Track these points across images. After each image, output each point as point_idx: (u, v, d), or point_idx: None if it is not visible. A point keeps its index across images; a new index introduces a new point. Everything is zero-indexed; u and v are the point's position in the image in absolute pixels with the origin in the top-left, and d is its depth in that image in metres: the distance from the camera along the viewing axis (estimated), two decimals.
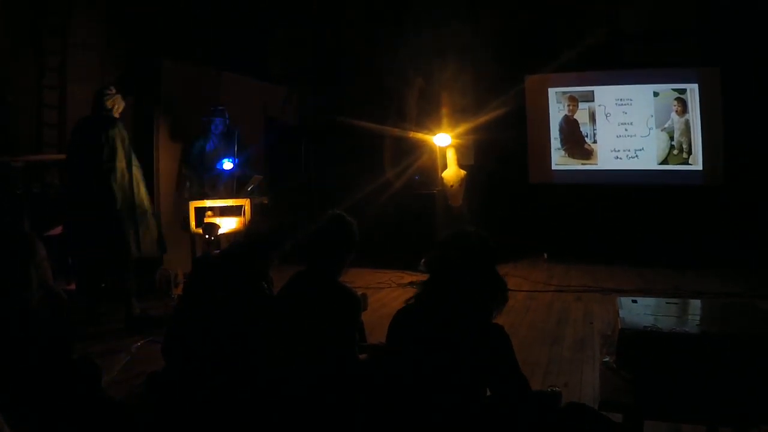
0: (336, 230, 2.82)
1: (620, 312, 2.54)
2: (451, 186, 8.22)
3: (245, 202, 6.20)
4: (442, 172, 8.35)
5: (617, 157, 8.46)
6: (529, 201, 8.82)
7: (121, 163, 4.95)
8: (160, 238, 5.28)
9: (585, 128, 8.62)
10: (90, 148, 4.92)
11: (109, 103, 5.01)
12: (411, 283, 6.92)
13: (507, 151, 8.79)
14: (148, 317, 5.14)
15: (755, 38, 7.77)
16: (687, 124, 8.07)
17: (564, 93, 8.70)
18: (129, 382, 3.70)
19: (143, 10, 8.73)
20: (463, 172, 8.27)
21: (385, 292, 6.62)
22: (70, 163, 5.15)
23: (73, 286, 6.10)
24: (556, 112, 8.76)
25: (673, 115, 8.14)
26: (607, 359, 2.45)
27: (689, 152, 8.09)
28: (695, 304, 3.11)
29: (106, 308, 5.31)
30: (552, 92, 8.76)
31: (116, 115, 5.08)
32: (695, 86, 8.00)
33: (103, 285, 6.15)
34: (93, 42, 8.34)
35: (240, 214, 6.19)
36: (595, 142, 8.57)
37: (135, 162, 5.12)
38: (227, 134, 6.68)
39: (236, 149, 6.64)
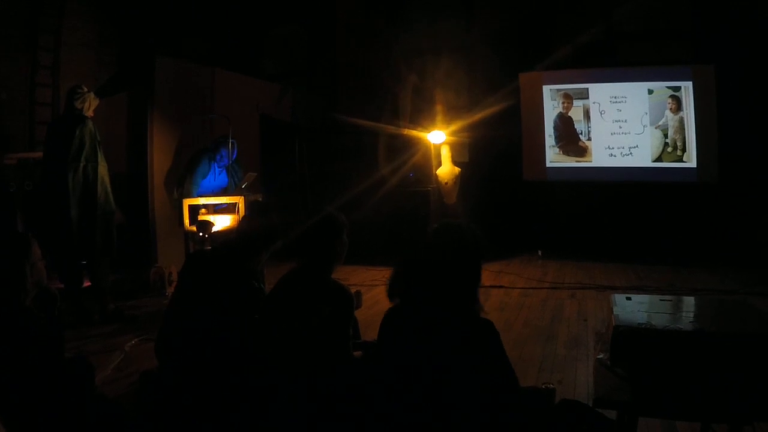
0: (326, 228, 2.83)
1: (614, 309, 2.54)
2: (446, 183, 8.22)
3: (239, 200, 6.19)
4: (437, 169, 8.35)
5: (611, 155, 8.47)
6: (524, 198, 8.83)
7: (84, 162, 4.97)
8: (110, 239, 5.21)
9: (579, 125, 8.63)
10: (58, 147, 4.96)
11: (78, 104, 5.03)
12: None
13: (501, 149, 8.80)
14: (121, 314, 5.21)
15: (749, 36, 7.80)
16: (681, 121, 8.09)
17: (558, 90, 8.71)
18: (123, 380, 3.69)
19: (136, 8, 8.70)
20: (457, 170, 8.27)
21: (380, 290, 6.61)
22: (43, 161, 5.24)
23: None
24: (551, 110, 8.77)
25: (668, 112, 8.16)
26: (601, 356, 2.46)
27: (683, 150, 8.11)
28: (689, 301, 3.12)
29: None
30: (546, 89, 8.77)
31: (88, 113, 5.09)
32: (689, 84, 8.02)
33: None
34: (86, 39, 8.31)
35: (234, 212, 6.17)
36: (589, 139, 8.59)
37: (102, 161, 5.11)
38: (230, 168, 6.65)
39: (236, 182, 6.64)
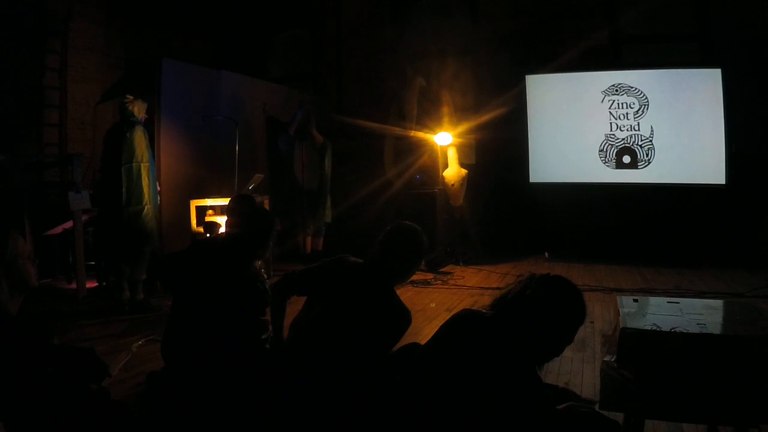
0: (418, 247, 2.81)
1: (621, 311, 2.54)
2: (453, 185, 8.22)
3: None
4: (443, 171, 8.35)
5: None
6: (530, 200, 8.79)
7: (136, 163, 5.43)
8: (151, 232, 5.61)
9: None
10: (111, 151, 5.47)
11: (134, 109, 5.49)
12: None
13: (508, 150, 8.77)
14: (148, 304, 5.53)
15: (755, 39, 7.77)
16: None
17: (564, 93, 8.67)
18: (129, 381, 3.70)
19: (143, 11, 8.74)
20: (464, 171, 8.27)
21: None
22: (101, 165, 5.69)
23: (74, 285, 6.12)
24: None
25: None
26: (608, 358, 2.45)
27: None
28: (696, 304, 3.11)
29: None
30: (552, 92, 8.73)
31: (139, 117, 5.53)
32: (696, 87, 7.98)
33: (105, 283, 6.21)
34: (93, 42, 8.36)
35: None
36: None
37: (144, 160, 5.50)
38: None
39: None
